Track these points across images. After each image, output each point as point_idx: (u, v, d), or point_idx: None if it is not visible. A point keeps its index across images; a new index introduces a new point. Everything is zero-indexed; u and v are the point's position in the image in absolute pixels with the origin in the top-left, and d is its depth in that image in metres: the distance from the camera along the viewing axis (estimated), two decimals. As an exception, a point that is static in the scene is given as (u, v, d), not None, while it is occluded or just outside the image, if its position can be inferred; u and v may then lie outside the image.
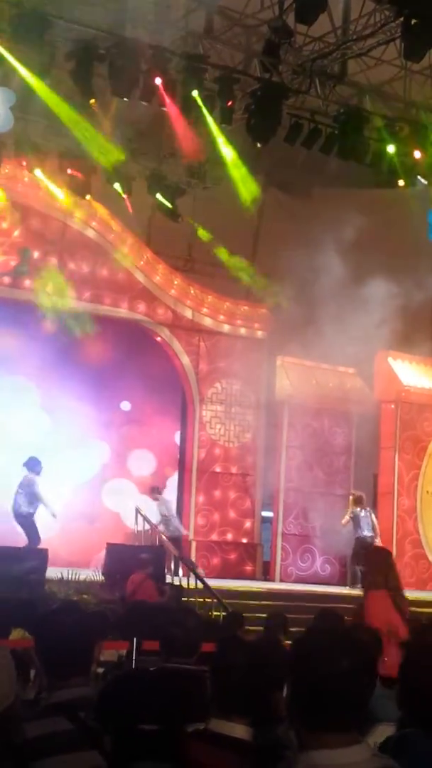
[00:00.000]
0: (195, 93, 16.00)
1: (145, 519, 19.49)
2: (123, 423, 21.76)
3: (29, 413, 20.33)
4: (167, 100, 16.14)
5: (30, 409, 20.40)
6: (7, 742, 3.73)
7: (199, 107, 16.37)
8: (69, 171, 19.26)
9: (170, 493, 21.80)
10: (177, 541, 19.56)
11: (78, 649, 3.95)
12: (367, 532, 20.13)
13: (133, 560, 16.02)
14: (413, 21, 13.65)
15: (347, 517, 20.38)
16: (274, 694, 4.94)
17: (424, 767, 3.27)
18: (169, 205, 20.38)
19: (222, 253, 21.98)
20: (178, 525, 20.08)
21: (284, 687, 4.77)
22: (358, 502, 20.39)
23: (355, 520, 20.22)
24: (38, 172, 19.34)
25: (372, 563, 10.51)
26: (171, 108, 16.53)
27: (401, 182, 18.29)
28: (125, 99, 16.32)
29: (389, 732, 3.96)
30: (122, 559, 16.42)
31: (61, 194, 20.04)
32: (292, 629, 9.75)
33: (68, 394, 20.18)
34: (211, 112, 16.63)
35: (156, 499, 20.02)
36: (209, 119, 16.96)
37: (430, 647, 3.67)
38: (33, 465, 17.54)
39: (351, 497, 20.64)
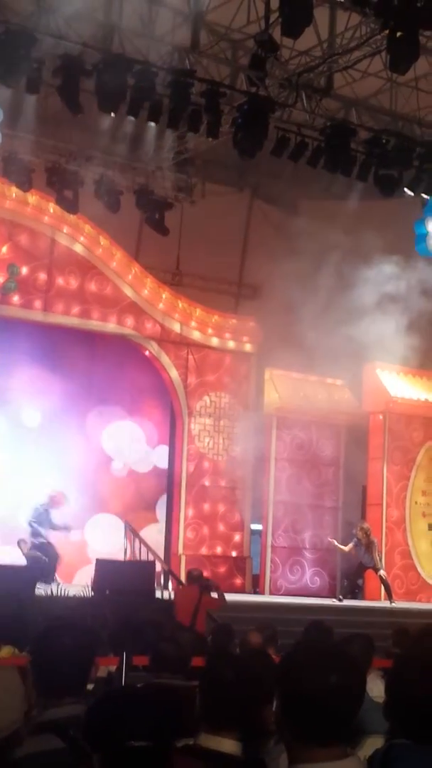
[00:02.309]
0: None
1: (134, 533, 19.46)
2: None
3: (17, 430, 20.29)
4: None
5: (17, 426, 20.35)
6: (-3, 761, 3.72)
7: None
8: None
9: (160, 507, 21.83)
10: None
11: (74, 668, 3.93)
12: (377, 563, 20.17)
13: (137, 576, 16.13)
14: (398, 33, 13.71)
15: (351, 545, 20.33)
16: (264, 708, 4.94)
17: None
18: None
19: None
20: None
21: (273, 701, 4.77)
22: (368, 534, 20.21)
23: (369, 547, 20.07)
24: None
25: None
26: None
27: (388, 194, 18.34)
28: (112, 114, 16.38)
29: (379, 744, 3.96)
30: (111, 574, 16.39)
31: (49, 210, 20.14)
32: (282, 642, 9.74)
33: (56, 409, 20.27)
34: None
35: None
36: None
37: (417, 659, 3.67)
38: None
39: (362, 530, 20.31)
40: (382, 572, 20.29)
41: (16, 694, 3.88)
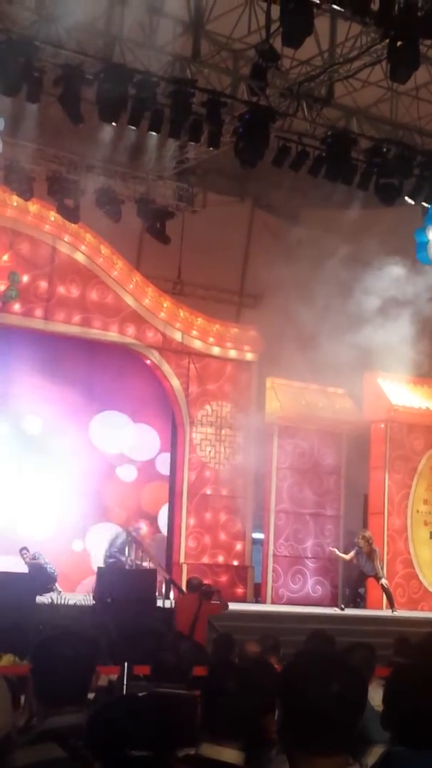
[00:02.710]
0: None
1: (136, 542, 19.44)
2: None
3: (18, 438, 20.31)
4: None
5: (18, 434, 20.36)
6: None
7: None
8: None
9: (162, 516, 21.84)
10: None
11: (75, 676, 3.92)
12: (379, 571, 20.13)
13: (138, 584, 16.17)
14: (399, 43, 13.75)
15: (352, 554, 20.30)
16: (265, 718, 4.93)
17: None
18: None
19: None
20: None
21: (275, 710, 4.76)
22: (369, 542, 20.18)
23: (371, 555, 20.04)
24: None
25: None
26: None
27: (389, 203, 18.36)
28: (113, 124, 16.41)
29: (381, 753, 3.94)
30: (112, 582, 16.37)
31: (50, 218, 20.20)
32: (283, 651, 9.73)
33: (57, 417, 20.33)
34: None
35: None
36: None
37: (415, 668, 3.67)
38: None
39: (363, 539, 20.27)
40: (383, 581, 20.26)
41: (3, 698, 3.86)
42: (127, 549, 18.67)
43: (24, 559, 18.03)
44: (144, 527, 19.74)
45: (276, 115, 16.45)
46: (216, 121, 16.20)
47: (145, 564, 18.53)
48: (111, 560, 18.28)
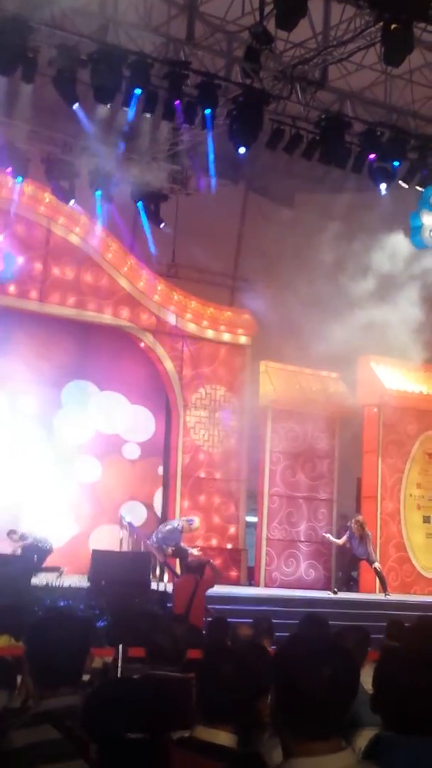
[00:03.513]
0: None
1: (130, 526, 19.49)
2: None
3: (13, 418, 20.32)
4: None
5: (13, 414, 20.37)
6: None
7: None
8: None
9: (156, 499, 21.87)
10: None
11: (70, 658, 3.94)
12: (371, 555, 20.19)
13: (132, 567, 16.22)
14: (393, 25, 13.70)
15: (345, 538, 20.35)
16: (259, 701, 4.96)
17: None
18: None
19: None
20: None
21: (269, 693, 4.79)
22: (362, 526, 20.23)
23: (363, 539, 20.09)
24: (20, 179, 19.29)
25: None
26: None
27: (383, 186, 18.35)
28: (107, 105, 16.35)
29: (372, 736, 3.97)
30: (107, 564, 16.42)
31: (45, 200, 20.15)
32: (277, 634, 9.77)
33: (51, 399, 20.36)
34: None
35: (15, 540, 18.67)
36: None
37: (404, 652, 3.70)
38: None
39: (356, 523, 20.33)
40: (376, 564, 20.32)
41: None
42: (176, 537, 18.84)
43: (14, 542, 18.02)
44: (197, 521, 19.71)
45: (270, 97, 16.41)
46: (210, 103, 16.17)
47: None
48: (154, 545, 18.41)
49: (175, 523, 19.36)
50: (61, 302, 20.70)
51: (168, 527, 19.11)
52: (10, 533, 18.21)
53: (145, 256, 21.96)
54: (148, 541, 18.56)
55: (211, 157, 18.72)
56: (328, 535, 21.47)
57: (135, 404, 21.86)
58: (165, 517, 21.29)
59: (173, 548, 18.60)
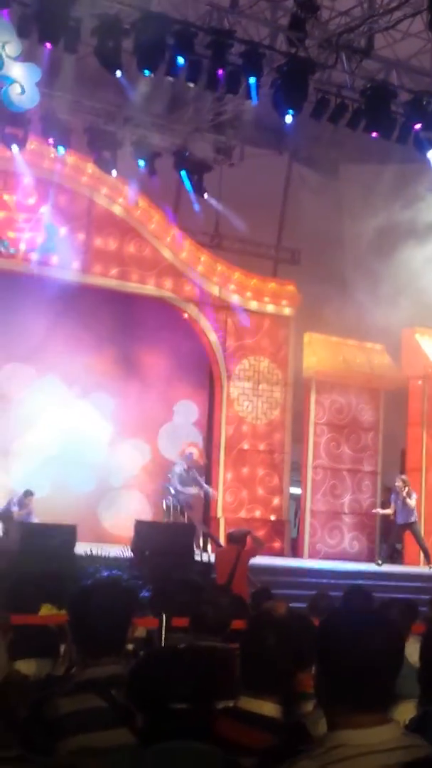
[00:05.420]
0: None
1: (175, 497, 19.50)
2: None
3: (58, 395, 20.33)
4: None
5: (58, 391, 20.39)
6: (40, 717, 3.75)
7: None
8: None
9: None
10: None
11: (113, 627, 3.95)
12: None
13: (176, 537, 16.40)
14: (440, -7, 13.52)
15: (392, 505, 20.11)
16: (303, 672, 4.95)
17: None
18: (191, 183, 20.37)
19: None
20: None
21: (313, 665, 4.77)
22: (406, 483, 20.02)
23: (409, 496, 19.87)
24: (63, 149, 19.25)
25: None
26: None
27: (430, 154, 18.12)
28: (150, 74, 16.24)
29: (411, 708, 3.94)
30: (150, 535, 16.48)
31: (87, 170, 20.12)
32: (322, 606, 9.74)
33: (96, 372, 20.36)
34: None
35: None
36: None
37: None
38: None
39: (401, 480, 20.10)
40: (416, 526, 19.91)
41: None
42: (180, 479, 19.20)
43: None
44: (195, 451, 20.00)
45: (315, 66, 16.23)
46: (254, 72, 16.02)
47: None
48: (172, 494, 18.69)
49: (177, 468, 19.74)
50: (104, 273, 20.70)
51: (177, 470, 19.59)
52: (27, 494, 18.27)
53: (189, 227, 21.91)
54: (169, 486, 19.19)
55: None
56: (378, 510, 21.41)
57: (176, 378, 21.83)
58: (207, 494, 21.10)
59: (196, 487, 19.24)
